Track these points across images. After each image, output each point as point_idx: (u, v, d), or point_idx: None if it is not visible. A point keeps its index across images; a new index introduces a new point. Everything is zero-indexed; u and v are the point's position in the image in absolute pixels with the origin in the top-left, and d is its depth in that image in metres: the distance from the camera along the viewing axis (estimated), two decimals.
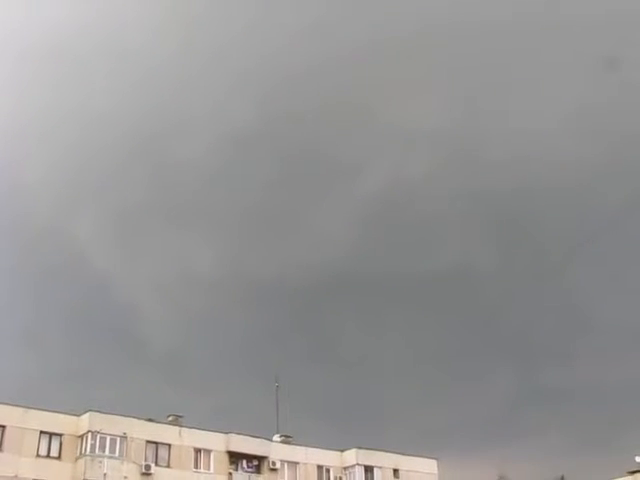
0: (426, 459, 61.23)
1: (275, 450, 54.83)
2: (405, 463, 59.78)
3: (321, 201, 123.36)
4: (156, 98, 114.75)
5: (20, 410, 45.06)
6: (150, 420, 50.07)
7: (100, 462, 45.18)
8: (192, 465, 50.22)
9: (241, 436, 53.11)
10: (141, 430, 48.40)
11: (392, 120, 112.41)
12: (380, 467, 58.24)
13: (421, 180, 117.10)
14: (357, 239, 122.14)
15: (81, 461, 45.22)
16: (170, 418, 51.92)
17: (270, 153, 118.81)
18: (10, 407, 45.01)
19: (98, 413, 46.69)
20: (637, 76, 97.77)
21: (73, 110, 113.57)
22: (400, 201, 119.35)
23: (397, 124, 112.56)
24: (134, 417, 48.57)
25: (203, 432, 51.79)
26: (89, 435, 45.73)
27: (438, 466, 61.72)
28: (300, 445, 56.87)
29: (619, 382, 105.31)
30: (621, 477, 63.72)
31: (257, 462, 53.56)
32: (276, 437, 56.69)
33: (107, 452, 45.91)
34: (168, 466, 48.81)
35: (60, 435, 45.96)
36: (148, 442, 48.42)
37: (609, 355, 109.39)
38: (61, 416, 46.68)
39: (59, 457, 45.48)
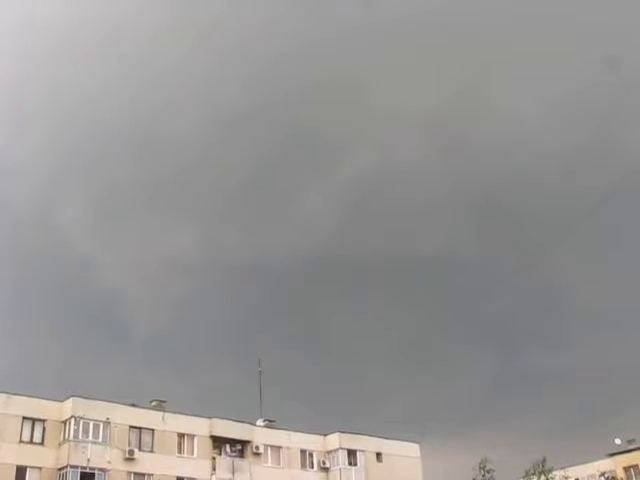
0: (409, 443, 61.71)
1: (258, 434, 55.00)
2: (388, 447, 60.23)
3: (306, 183, 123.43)
4: (142, 79, 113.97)
5: (3, 396, 44.67)
6: (133, 405, 50.00)
7: (84, 447, 45.03)
8: (176, 450, 50.29)
9: (224, 421, 53.23)
10: (124, 415, 48.30)
11: (380, 104, 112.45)
12: (363, 451, 58.60)
13: (407, 164, 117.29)
14: (341, 222, 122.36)
15: (64, 446, 45.05)
16: (153, 403, 51.90)
17: (257, 135, 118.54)
18: None
19: (81, 398, 46.52)
20: (627, 73, 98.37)
21: (55, 93, 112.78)
22: (385, 185, 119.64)
23: (385, 108, 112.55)
24: (117, 402, 48.52)
25: (186, 417, 51.83)
26: (72, 420, 45.55)
27: (421, 450, 62.28)
28: (283, 429, 57.10)
29: (600, 366, 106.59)
30: (601, 460, 64.71)
31: (241, 447, 53.72)
32: (259, 422, 56.85)
33: (90, 437, 45.75)
34: (152, 451, 48.80)
35: (43, 421, 45.72)
36: (131, 427, 48.38)
37: (590, 340, 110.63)
38: (44, 402, 46.38)
39: (42, 443, 45.24)
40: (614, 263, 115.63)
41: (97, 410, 46.70)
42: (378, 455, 59.54)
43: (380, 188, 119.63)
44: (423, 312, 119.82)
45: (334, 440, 58.19)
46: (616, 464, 64.72)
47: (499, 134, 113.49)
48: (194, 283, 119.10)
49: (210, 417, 52.87)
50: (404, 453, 60.90)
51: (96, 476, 45.03)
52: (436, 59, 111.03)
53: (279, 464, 55.37)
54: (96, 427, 46.24)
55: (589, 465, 64.53)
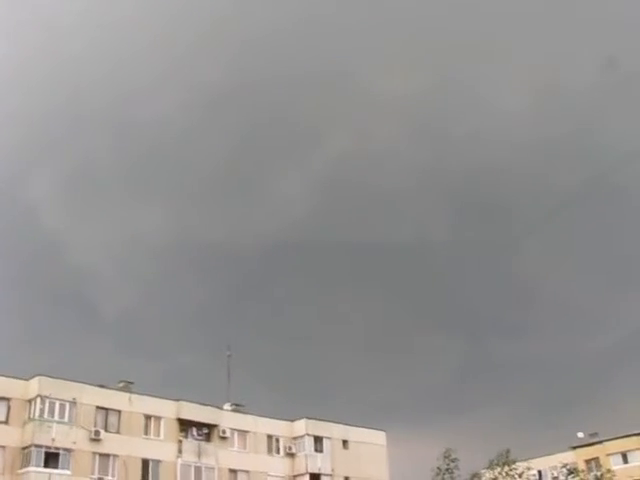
0: (375, 430, 62.29)
1: (225, 418, 55.02)
2: (354, 434, 60.63)
3: (280, 168, 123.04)
4: (121, 57, 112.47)
5: None
6: (100, 386, 49.70)
7: (49, 427, 44.65)
8: (142, 432, 50.09)
9: (192, 404, 53.16)
10: (91, 396, 47.98)
11: (359, 90, 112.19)
12: (329, 438, 58.92)
13: (383, 150, 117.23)
14: (314, 207, 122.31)
15: (29, 426, 44.64)
16: (121, 384, 51.62)
17: (233, 118, 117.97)
18: None
19: (48, 378, 46.13)
20: (608, 72, 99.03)
21: (31, 64, 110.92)
22: (360, 170, 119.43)
23: (364, 94, 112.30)
24: (84, 382, 48.14)
25: (153, 399, 51.61)
26: (38, 400, 45.16)
27: (387, 437, 62.76)
28: (251, 414, 57.12)
29: (565, 358, 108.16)
30: (564, 452, 65.71)
31: (207, 430, 53.71)
32: (227, 406, 56.89)
33: (56, 417, 45.41)
34: (118, 432, 48.57)
35: (8, 399, 45.18)
36: (98, 408, 48.08)
37: (556, 332, 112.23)
38: (9, 380, 45.77)
39: (7, 422, 44.70)
40: (583, 257, 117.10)
41: (63, 390, 46.34)
42: (344, 442, 59.93)
43: (355, 174, 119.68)
44: (392, 300, 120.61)
45: (301, 426, 58.36)
46: (578, 457, 65.73)
47: (477, 125, 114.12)
48: (165, 265, 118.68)
49: (177, 400, 52.73)
50: (370, 441, 61.35)
51: (60, 456, 44.78)
52: (419, 49, 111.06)
53: (245, 448, 55.48)
54: (62, 407, 45.91)
55: (552, 457, 65.43)
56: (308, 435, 57.92)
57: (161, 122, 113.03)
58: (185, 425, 52.69)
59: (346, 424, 60.53)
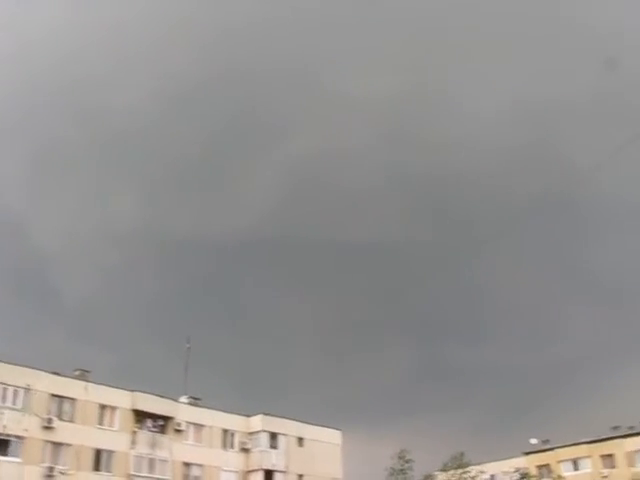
0: (331, 429, 62.42)
1: (181, 411, 54.64)
2: (310, 432, 60.70)
3: (250, 163, 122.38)
4: (90, 38, 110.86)
5: None
6: (56, 373, 48.90)
7: (1, 413, 43.92)
8: (96, 421, 49.44)
9: (148, 395, 52.63)
10: (46, 383, 47.21)
11: (332, 89, 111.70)
12: (285, 434, 58.87)
13: (351, 150, 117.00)
14: (281, 204, 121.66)
15: None
16: (77, 372, 50.90)
17: (206, 109, 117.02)
18: None
19: (1, 363, 45.18)
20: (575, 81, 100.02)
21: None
22: (328, 169, 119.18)
23: (336, 93, 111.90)
24: (39, 369, 47.37)
25: (109, 389, 50.93)
26: None
27: (343, 437, 62.98)
28: (207, 408, 56.79)
29: (521, 365, 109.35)
30: (517, 457, 66.55)
31: (163, 422, 53.25)
32: (183, 398, 56.43)
33: (9, 403, 44.69)
34: (71, 421, 47.89)
35: None
36: (52, 395, 47.34)
37: (512, 340, 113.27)
38: None
39: None
40: (541, 266, 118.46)
41: (17, 376, 45.64)
42: (300, 440, 59.94)
43: (323, 172, 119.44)
44: (354, 300, 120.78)
45: (257, 422, 58.22)
46: (530, 462, 66.59)
47: (446, 131, 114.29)
48: (129, 253, 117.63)
49: (133, 390, 52.20)
50: (325, 439, 61.49)
51: (11, 443, 44.10)
52: (393, 51, 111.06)
53: (200, 442, 55.15)
54: (16, 393, 45.22)
55: (505, 462, 66.11)
56: (264, 431, 57.79)
57: (133, 109, 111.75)
58: (140, 416, 52.14)
59: (302, 422, 60.56)
